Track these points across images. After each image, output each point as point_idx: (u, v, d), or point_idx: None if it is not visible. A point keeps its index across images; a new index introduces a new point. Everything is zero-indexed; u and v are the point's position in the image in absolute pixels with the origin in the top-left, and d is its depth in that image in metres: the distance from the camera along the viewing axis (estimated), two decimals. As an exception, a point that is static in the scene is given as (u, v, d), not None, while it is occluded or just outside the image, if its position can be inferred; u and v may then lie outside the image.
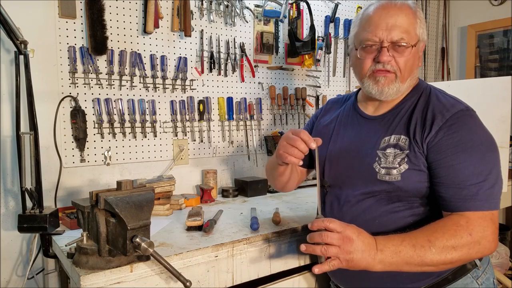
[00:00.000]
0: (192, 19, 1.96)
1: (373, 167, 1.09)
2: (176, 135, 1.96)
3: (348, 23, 2.58)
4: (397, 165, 1.06)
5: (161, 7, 1.86)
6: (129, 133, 1.82)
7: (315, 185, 1.18)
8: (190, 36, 1.93)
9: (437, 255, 0.94)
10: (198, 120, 2.02)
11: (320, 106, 2.46)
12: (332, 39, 2.53)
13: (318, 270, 0.95)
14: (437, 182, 1.03)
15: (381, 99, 1.15)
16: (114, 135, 1.77)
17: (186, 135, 1.99)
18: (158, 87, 1.89)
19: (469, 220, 0.96)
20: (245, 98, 2.18)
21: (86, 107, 1.69)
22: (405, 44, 1.07)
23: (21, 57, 1.28)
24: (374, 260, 0.95)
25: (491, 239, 0.96)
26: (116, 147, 1.79)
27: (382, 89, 1.11)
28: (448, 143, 1.01)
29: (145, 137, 1.86)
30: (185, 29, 1.90)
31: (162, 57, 1.89)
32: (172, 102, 1.93)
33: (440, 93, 1.13)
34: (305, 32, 2.35)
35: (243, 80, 2.17)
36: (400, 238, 0.97)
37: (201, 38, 2.01)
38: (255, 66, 2.21)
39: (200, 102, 2.01)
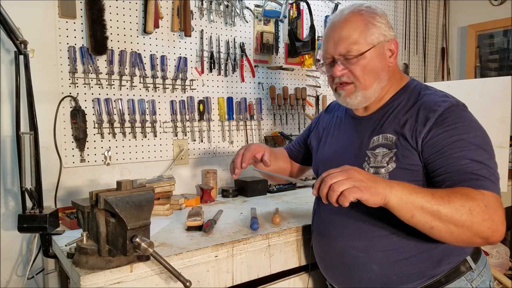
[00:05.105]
0: (192, 19, 1.96)
1: (362, 167, 1.10)
2: (176, 135, 1.96)
3: (348, 23, 2.57)
4: (385, 164, 1.07)
5: (161, 7, 1.86)
6: (129, 133, 1.82)
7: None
8: (190, 36, 1.93)
9: (454, 211, 0.88)
10: (198, 120, 2.02)
11: (320, 106, 2.47)
12: (332, 39, 2.53)
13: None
14: (438, 173, 1.00)
15: (351, 108, 1.22)
16: (114, 135, 1.77)
17: (186, 135, 1.99)
18: (158, 87, 1.89)
19: (484, 194, 0.92)
20: (245, 98, 2.18)
21: (86, 107, 1.69)
22: (353, 55, 1.09)
23: (21, 57, 1.28)
24: (389, 190, 0.89)
25: (502, 221, 0.92)
26: (116, 147, 1.79)
27: (345, 100, 1.17)
28: (444, 135, 1.00)
29: (145, 137, 1.86)
30: (185, 29, 1.90)
31: (162, 57, 1.89)
32: (172, 102, 1.93)
33: (430, 90, 1.13)
34: (305, 32, 2.35)
35: (243, 80, 2.17)
36: (418, 187, 0.92)
37: (201, 38, 2.01)
38: (255, 66, 2.21)
39: (200, 102, 2.01)
